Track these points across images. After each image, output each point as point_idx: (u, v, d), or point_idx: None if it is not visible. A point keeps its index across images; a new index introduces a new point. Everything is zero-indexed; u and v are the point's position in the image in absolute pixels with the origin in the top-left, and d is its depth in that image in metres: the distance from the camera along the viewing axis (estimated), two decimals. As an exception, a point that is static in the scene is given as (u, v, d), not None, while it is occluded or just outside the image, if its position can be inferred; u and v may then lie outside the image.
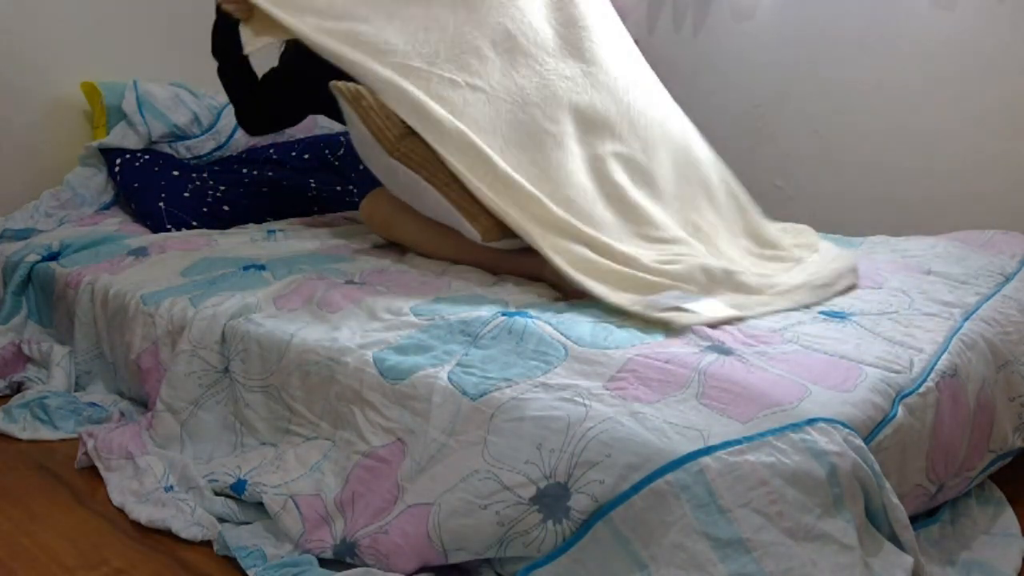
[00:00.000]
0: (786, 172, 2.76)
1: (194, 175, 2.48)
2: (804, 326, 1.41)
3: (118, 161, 2.48)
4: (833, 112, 2.63)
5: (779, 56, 2.71)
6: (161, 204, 2.36)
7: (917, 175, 2.49)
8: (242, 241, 2.16)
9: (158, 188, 2.40)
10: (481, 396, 1.19)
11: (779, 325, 1.41)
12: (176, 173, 2.47)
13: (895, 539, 1.04)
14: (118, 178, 2.47)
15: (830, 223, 2.64)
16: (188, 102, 2.66)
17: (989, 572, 1.18)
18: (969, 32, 2.33)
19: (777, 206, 2.76)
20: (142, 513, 1.38)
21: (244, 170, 2.57)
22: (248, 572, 1.22)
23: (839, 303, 1.53)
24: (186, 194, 2.41)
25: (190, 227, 2.33)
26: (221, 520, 1.35)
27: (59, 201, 2.48)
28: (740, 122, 2.84)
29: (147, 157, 2.50)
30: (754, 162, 2.83)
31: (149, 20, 2.74)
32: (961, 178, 2.41)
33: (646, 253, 1.59)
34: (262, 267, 1.86)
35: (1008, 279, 1.68)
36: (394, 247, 1.99)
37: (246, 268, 1.85)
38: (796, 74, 2.69)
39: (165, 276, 1.87)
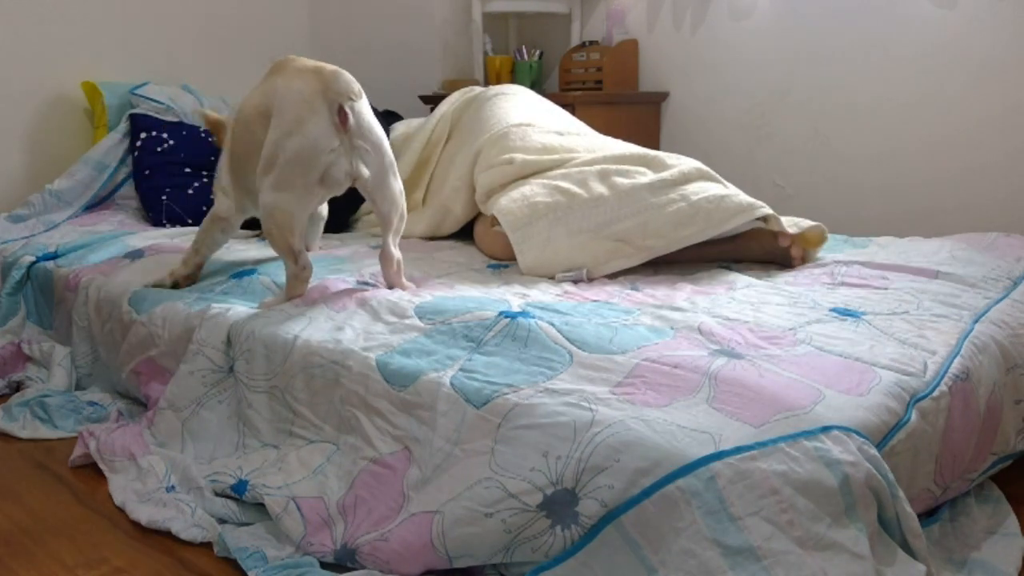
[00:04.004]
0: (786, 170, 2.75)
1: (204, 174, 2.48)
2: (816, 325, 1.40)
3: (142, 136, 2.46)
4: (832, 110, 2.63)
5: (778, 55, 2.71)
6: (164, 197, 2.36)
7: (917, 172, 2.49)
8: (231, 244, 2.09)
9: (165, 182, 2.40)
10: (485, 403, 1.18)
11: (790, 324, 1.40)
12: (188, 170, 2.46)
13: (907, 547, 1.03)
14: (135, 154, 2.45)
15: (830, 221, 2.64)
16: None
17: (990, 571, 1.17)
18: (970, 31, 2.33)
19: (777, 204, 2.76)
20: (143, 514, 1.37)
21: None
22: (249, 573, 1.20)
23: (851, 302, 1.52)
24: (190, 191, 2.40)
25: (186, 224, 2.32)
26: (221, 521, 1.34)
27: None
28: (740, 120, 2.84)
29: (172, 142, 2.47)
30: (754, 160, 2.82)
31: (152, 21, 2.72)
32: (962, 178, 2.41)
33: None
34: (252, 272, 1.82)
35: (1016, 283, 1.67)
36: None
37: (236, 276, 1.81)
38: (795, 72, 2.68)
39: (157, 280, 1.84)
